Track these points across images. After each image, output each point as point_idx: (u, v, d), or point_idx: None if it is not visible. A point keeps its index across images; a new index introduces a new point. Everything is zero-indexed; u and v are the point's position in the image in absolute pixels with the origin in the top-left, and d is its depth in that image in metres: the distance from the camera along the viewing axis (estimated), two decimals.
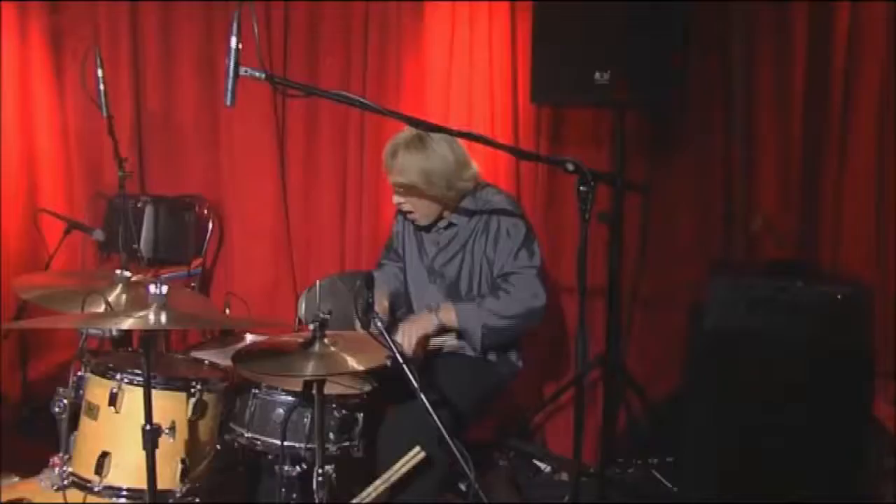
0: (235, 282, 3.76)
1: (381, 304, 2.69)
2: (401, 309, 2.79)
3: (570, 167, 1.95)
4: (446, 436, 1.77)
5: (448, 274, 2.56)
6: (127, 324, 1.75)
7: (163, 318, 1.81)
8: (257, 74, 1.81)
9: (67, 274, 2.92)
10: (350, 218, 3.68)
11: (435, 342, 2.48)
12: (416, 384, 1.80)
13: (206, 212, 3.73)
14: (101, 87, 2.51)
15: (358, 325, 2.13)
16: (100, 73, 2.49)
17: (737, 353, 2.74)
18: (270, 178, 3.72)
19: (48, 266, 3.29)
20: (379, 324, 1.87)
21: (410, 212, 2.54)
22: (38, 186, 3.80)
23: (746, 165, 3.29)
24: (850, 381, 2.61)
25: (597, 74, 2.93)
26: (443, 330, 2.51)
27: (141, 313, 1.80)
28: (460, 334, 2.52)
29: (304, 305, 2.66)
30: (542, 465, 3.33)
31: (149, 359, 1.83)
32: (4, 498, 2.09)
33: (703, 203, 3.35)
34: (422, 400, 1.79)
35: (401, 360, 1.84)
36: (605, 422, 3.13)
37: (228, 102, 1.81)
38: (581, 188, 1.93)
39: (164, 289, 1.83)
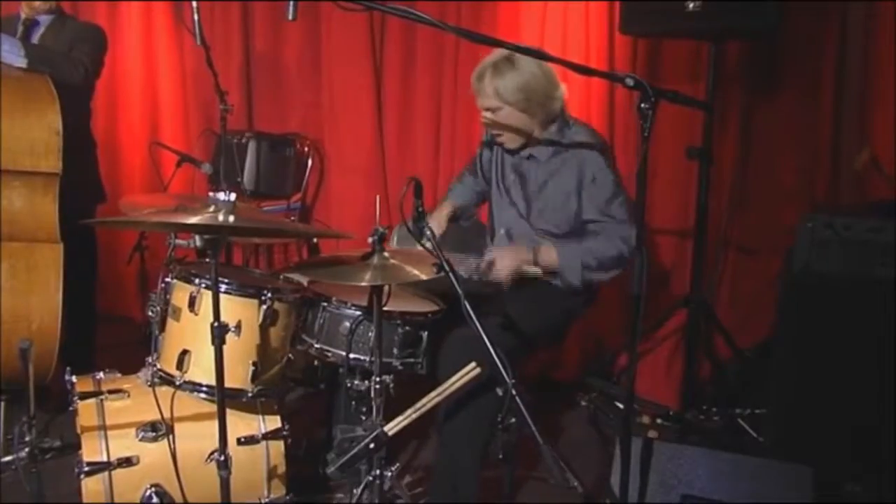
0: (333, 216, 3.93)
1: (441, 212, 2.79)
2: (466, 219, 2.88)
3: (630, 82, 1.88)
4: (486, 341, 1.79)
5: (524, 205, 2.57)
6: (193, 220, 1.88)
7: (230, 219, 1.94)
8: None
9: (170, 197, 3.14)
10: (443, 157, 3.74)
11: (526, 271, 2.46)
12: (460, 291, 1.83)
13: (306, 149, 3.90)
14: (195, 17, 2.66)
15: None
16: (194, 4, 2.63)
17: (827, 297, 2.58)
18: (368, 118, 3.84)
19: None
20: (429, 232, 1.91)
21: (499, 134, 2.53)
22: (159, 122, 4.15)
23: (861, 99, 3.03)
24: None
25: (688, 2, 2.80)
26: (535, 265, 2.48)
27: (209, 214, 1.94)
28: (552, 275, 2.49)
29: (395, 238, 2.79)
30: (622, 407, 3.29)
31: (216, 259, 1.96)
32: (106, 388, 2.31)
33: (808, 141, 3.13)
34: (465, 307, 1.81)
35: (447, 269, 1.87)
36: (687, 365, 3.04)
37: (290, 17, 1.88)
38: (642, 105, 1.86)
39: (232, 196, 1.97)
